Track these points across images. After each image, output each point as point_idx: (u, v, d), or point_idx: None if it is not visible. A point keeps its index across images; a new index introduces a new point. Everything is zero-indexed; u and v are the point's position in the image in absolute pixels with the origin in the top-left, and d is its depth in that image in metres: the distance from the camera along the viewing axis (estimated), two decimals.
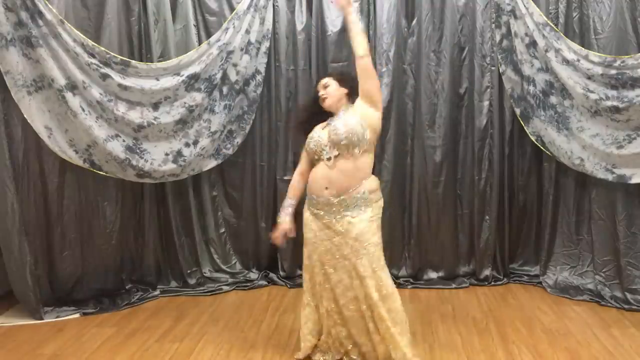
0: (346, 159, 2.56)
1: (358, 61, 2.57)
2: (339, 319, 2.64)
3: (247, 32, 3.68)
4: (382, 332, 2.57)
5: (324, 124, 2.71)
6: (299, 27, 3.75)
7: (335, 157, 2.57)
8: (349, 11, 2.58)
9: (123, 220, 3.64)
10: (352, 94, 2.69)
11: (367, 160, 2.62)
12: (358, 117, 2.58)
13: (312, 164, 2.70)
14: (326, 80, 2.73)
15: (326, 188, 2.58)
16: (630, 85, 3.30)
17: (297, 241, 3.91)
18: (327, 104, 2.69)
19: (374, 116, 2.62)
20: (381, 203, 2.68)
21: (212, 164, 3.79)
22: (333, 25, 3.73)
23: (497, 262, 3.90)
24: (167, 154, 3.59)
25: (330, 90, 2.69)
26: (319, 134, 2.65)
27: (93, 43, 3.29)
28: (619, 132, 3.38)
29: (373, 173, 2.68)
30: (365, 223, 2.56)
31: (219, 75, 3.65)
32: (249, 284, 3.89)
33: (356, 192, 2.56)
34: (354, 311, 2.59)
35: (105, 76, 3.31)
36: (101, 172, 3.45)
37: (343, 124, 2.57)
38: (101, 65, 3.30)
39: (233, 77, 3.70)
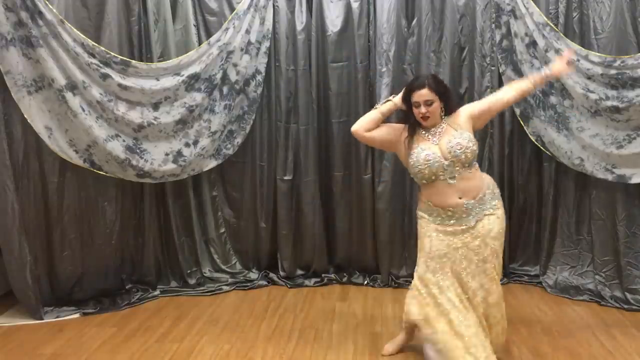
0: (467, 171, 2.59)
1: (512, 100, 2.72)
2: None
3: (247, 32, 3.68)
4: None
5: (418, 138, 2.64)
6: (299, 27, 3.75)
7: (460, 174, 2.57)
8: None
9: (123, 220, 3.64)
10: (448, 109, 2.65)
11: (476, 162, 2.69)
12: (470, 133, 2.62)
13: (419, 179, 2.66)
14: (428, 96, 2.58)
15: (460, 197, 2.58)
16: (630, 85, 3.30)
17: (296, 241, 3.95)
18: (429, 123, 2.62)
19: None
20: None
21: (212, 164, 3.79)
22: (333, 25, 3.73)
23: None
24: (167, 154, 3.59)
25: (433, 109, 2.59)
26: (432, 153, 2.57)
27: (93, 43, 3.29)
28: (619, 132, 3.38)
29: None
30: (502, 220, 2.65)
31: (219, 75, 3.65)
32: (249, 284, 3.89)
33: (485, 189, 2.63)
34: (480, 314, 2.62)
35: (105, 76, 3.31)
36: (101, 172, 3.45)
37: (467, 140, 2.57)
38: (101, 65, 3.31)
39: (233, 77, 3.70)
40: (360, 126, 2.75)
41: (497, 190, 2.72)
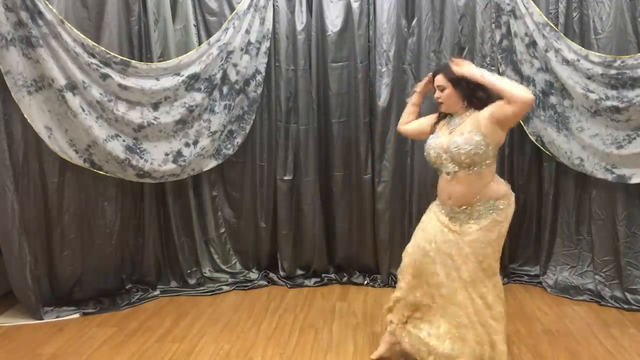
0: (467, 173, 2.51)
1: (521, 107, 2.34)
2: (421, 306, 2.68)
3: (247, 32, 3.68)
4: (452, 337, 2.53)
5: (442, 124, 2.65)
6: (299, 27, 3.75)
7: (455, 172, 2.53)
8: (473, 72, 2.45)
9: (123, 220, 3.64)
10: (468, 100, 2.56)
11: (488, 170, 2.53)
12: (481, 135, 2.44)
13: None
14: (440, 81, 2.60)
15: (449, 199, 2.56)
16: (630, 85, 3.30)
17: (296, 241, 3.95)
18: (443, 108, 2.63)
19: (501, 134, 2.50)
20: (509, 211, 2.54)
21: (212, 164, 3.79)
22: (333, 25, 3.73)
23: None
24: (167, 154, 3.59)
25: (445, 96, 2.59)
26: (439, 142, 2.57)
27: (93, 43, 3.29)
28: (619, 132, 3.38)
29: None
30: (485, 232, 2.50)
31: (219, 75, 3.65)
32: (249, 284, 3.89)
33: (478, 202, 2.52)
34: (440, 306, 2.59)
35: (105, 76, 3.32)
36: (101, 172, 3.45)
37: (465, 141, 2.47)
38: (101, 65, 3.31)
39: (233, 77, 3.70)
40: (399, 123, 2.99)
41: (496, 204, 2.52)
